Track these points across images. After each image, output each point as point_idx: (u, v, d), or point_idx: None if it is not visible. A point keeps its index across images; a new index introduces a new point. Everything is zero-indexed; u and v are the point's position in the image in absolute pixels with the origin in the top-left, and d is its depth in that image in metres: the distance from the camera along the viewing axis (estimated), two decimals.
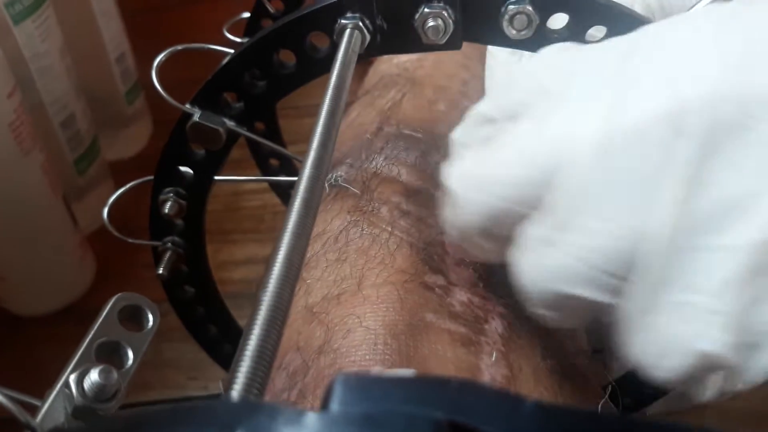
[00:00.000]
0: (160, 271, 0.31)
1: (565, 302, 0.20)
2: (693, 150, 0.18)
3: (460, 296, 0.24)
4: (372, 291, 0.24)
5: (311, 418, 0.10)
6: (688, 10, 0.24)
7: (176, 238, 0.31)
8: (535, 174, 0.20)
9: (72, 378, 0.18)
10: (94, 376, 0.18)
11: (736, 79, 0.18)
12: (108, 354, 0.20)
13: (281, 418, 0.10)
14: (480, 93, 0.37)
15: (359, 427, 0.09)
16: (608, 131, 0.19)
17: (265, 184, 0.56)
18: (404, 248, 0.26)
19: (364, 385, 0.10)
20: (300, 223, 0.16)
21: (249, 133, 0.28)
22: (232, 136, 0.28)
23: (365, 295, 0.24)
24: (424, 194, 0.28)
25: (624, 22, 0.24)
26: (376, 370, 0.21)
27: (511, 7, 0.25)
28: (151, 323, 0.21)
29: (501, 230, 0.21)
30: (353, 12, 0.25)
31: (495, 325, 0.24)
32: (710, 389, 0.38)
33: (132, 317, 0.21)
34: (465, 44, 0.26)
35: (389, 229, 0.26)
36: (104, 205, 0.30)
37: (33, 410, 0.18)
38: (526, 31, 0.25)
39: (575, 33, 0.25)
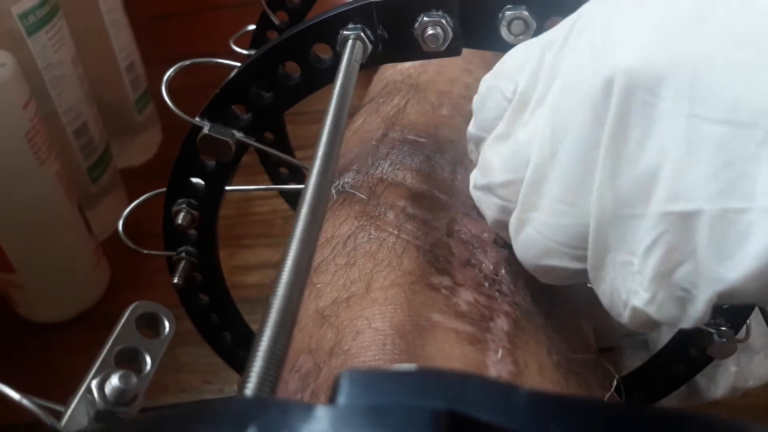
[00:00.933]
0: (176, 281, 0.31)
1: (548, 270, 0.23)
2: (614, 123, 0.19)
3: (466, 296, 0.25)
4: (380, 293, 0.24)
5: (320, 412, 0.10)
6: None
7: (190, 248, 0.32)
8: (519, 174, 0.23)
9: (94, 383, 0.19)
10: (114, 381, 0.19)
11: (650, 51, 0.19)
12: (127, 360, 0.21)
13: (292, 413, 0.10)
14: None
15: (364, 418, 0.10)
16: (554, 113, 0.21)
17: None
18: (411, 251, 0.26)
19: (368, 379, 0.11)
20: (307, 230, 0.17)
21: (258, 144, 0.29)
22: (242, 147, 0.28)
23: (373, 298, 0.24)
24: (429, 198, 0.29)
25: None
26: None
27: (508, 13, 0.26)
28: (167, 330, 0.22)
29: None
30: (355, 23, 0.26)
31: (501, 323, 0.24)
32: (722, 386, 0.38)
33: (149, 324, 0.22)
34: (466, 49, 0.27)
35: (396, 232, 0.27)
36: (116, 212, 0.31)
37: (55, 415, 0.19)
38: (524, 36, 0.26)
39: None
